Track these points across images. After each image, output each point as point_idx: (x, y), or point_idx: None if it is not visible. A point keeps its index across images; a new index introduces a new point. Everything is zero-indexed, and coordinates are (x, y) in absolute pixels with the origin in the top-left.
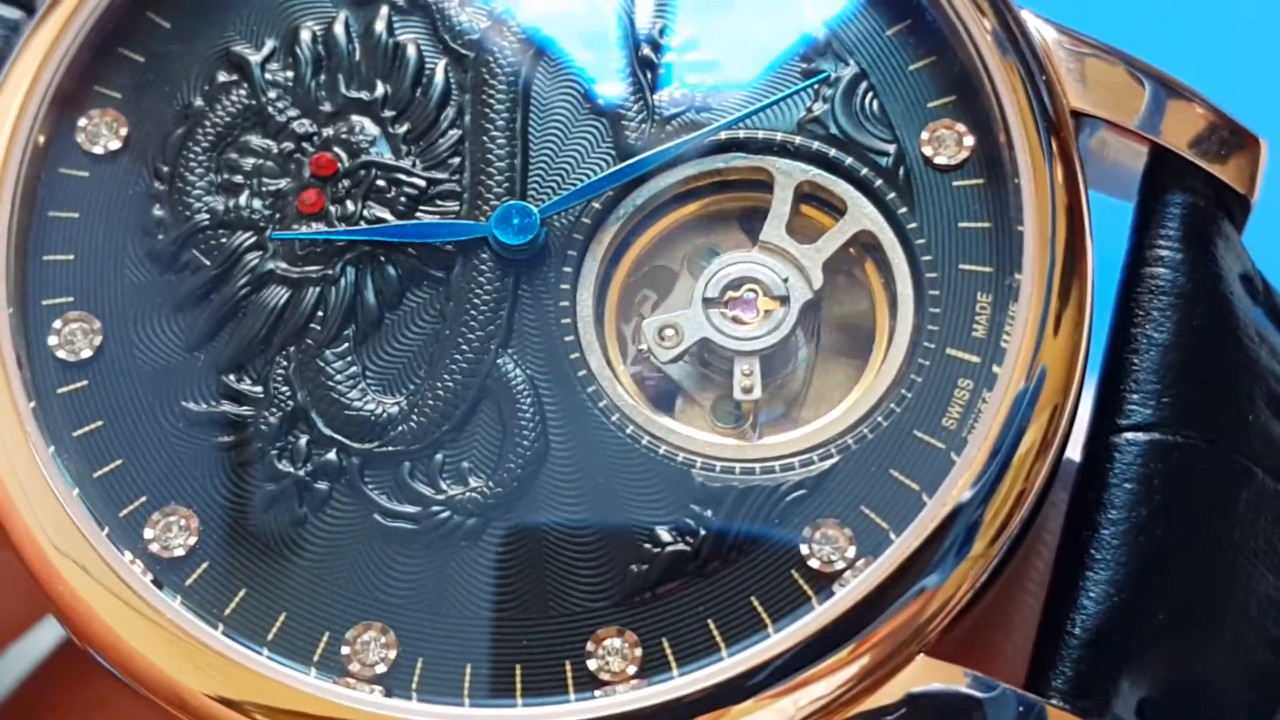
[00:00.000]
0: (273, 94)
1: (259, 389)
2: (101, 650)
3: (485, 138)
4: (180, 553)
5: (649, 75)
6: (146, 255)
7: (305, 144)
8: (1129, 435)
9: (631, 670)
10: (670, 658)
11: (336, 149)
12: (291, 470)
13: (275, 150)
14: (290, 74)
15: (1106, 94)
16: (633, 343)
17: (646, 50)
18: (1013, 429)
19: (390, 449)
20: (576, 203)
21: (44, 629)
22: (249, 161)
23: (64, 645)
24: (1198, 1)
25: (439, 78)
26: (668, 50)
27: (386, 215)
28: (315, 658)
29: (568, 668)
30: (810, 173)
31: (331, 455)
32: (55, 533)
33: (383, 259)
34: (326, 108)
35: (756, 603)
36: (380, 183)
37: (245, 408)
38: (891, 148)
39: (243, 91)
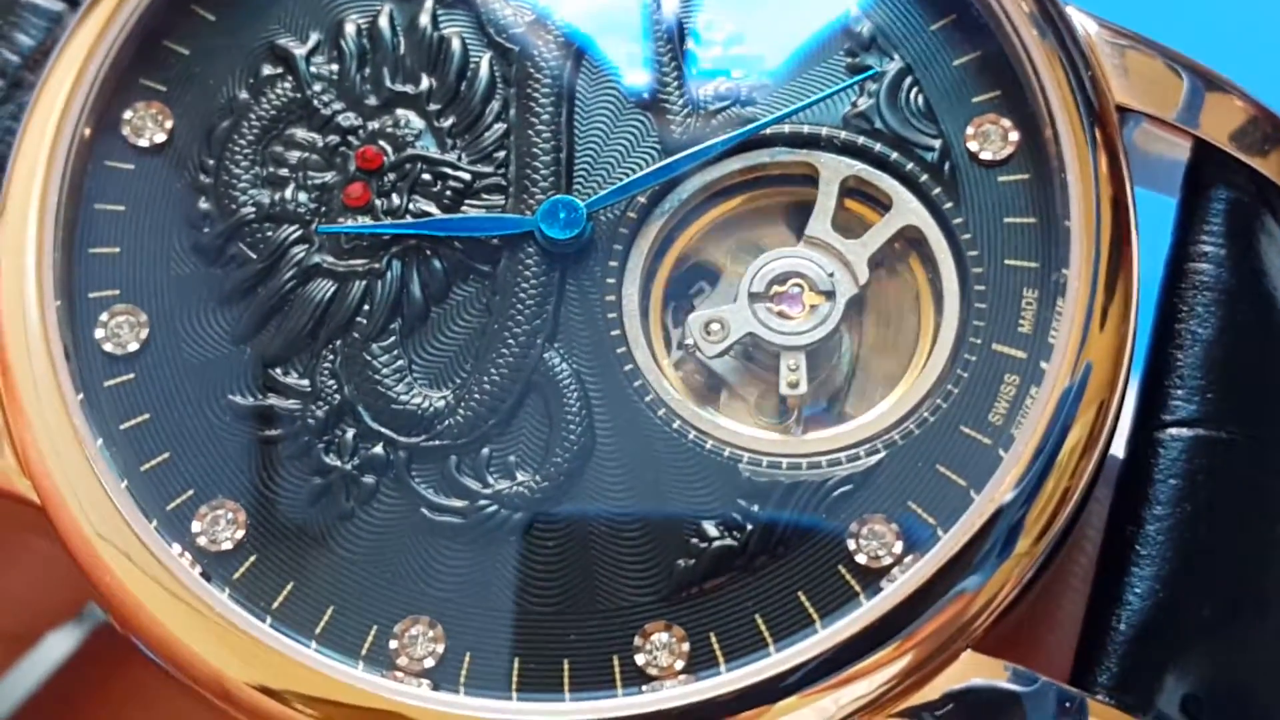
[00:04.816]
0: (318, 87)
1: (305, 383)
2: (148, 641)
3: (530, 131)
4: (228, 546)
5: (692, 69)
6: (192, 248)
7: (350, 137)
8: (1173, 431)
9: (679, 665)
10: (718, 653)
11: (382, 142)
12: (338, 464)
13: (320, 143)
14: (335, 67)
15: (1148, 87)
16: (678, 337)
17: (690, 44)
18: (1058, 426)
19: (437, 443)
20: (623, 198)
21: (80, 617)
22: (294, 155)
23: (102, 631)
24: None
25: (484, 71)
26: (711, 44)
27: (432, 209)
28: (363, 651)
29: (615, 662)
30: (855, 167)
31: (378, 449)
32: (103, 525)
33: (429, 253)
34: (371, 101)
35: (804, 598)
36: (426, 176)
37: (292, 401)
38: (937, 143)
39: (288, 85)
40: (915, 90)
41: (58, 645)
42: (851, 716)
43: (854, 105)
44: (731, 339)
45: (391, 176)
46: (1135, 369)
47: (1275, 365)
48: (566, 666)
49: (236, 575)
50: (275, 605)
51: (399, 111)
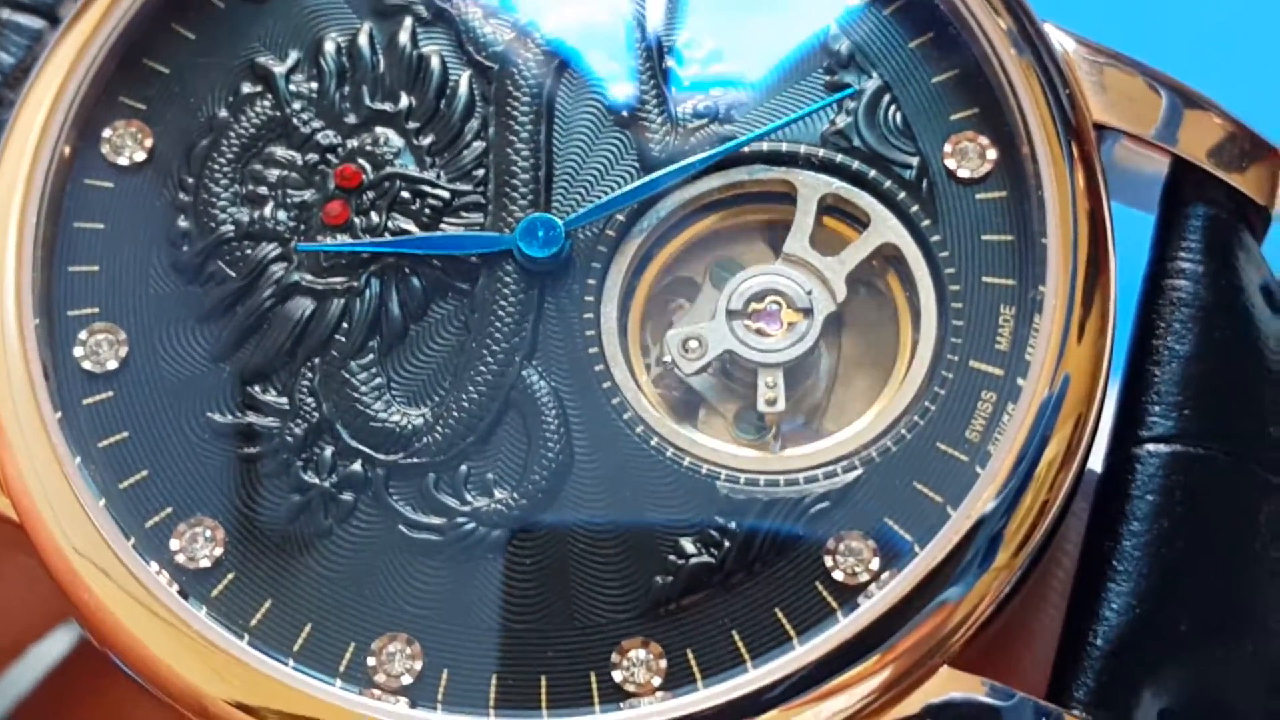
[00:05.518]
0: (297, 105)
1: (284, 400)
2: (126, 658)
3: (509, 149)
4: (206, 564)
5: (672, 87)
6: (171, 266)
7: (330, 155)
8: (1151, 447)
9: (657, 682)
10: (695, 669)
11: (361, 160)
12: (317, 481)
13: (300, 162)
14: (315, 85)
15: (1126, 104)
16: (656, 354)
17: (670, 62)
18: (1036, 438)
19: (415, 460)
20: (601, 216)
21: (63, 631)
22: (273, 173)
23: (82, 646)
24: (1216, 14)
25: (463, 89)
26: (691, 61)
27: (411, 227)
28: (341, 669)
29: (593, 679)
30: (834, 185)
31: (357, 467)
32: (81, 542)
33: (407, 271)
34: (351, 119)
35: (781, 615)
36: (405, 194)
37: (270, 419)
38: (914, 160)
39: (267, 103)
40: (893, 108)
41: (41, 659)
42: None
43: (832, 123)
44: (709, 356)
45: (370, 194)
46: (1113, 385)
47: (1252, 381)
48: (544, 684)
49: (214, 593)
50: (253, 623)
51: (378, 129)
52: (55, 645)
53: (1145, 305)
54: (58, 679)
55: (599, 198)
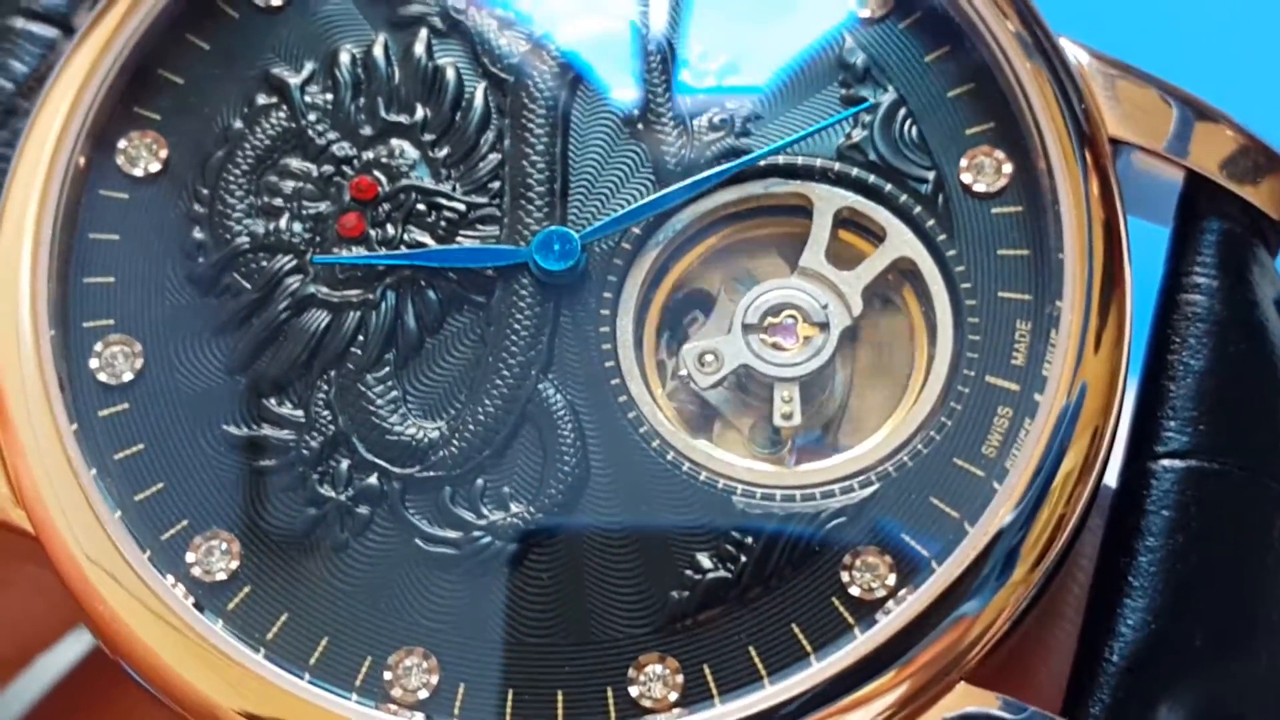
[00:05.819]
0: (312, 117)
1: (300, 413)
2: (141, 670)
3: (525, 162)
4: (222, 577)
5: (688, 99)
6: (187, 278)
7: (345, 167)
8: (1166, 462)
9: (673, 697)
10: (712, 685)
11: (376, 172)
12: (333, 495)
13: (315, 173)
14: (330, 96)
15: (1140, 117)
16: (672, 368)
17: (685, 74)
18: (1054, 450)
19: (431, 474)
20: (617, 229)
21: (73, 640)
22: (289, 184)
23: (92, 656)
24: (1233, 28)
25: (478, 101)
26: (706, 74)
27: (427, 239)
28: (357, 683)
29: (609, 694)
30: (849, 199)
31: (373, 480)
32: (97, 555)
33: (423, 283)
34: (366, 131)
35: (798, 630)
36: (420, 207)
37: (286, 432)
38: (930, 174)
39: (282, 114)
40: (909, 122)
41: (49, 669)
42: None
43: (848, 137)
44: (725, 370)
45: (386, 207)
46: (1127, 401)
47: (1267, 396)
48: (560, 698)
49: (230, 606)
50: (269, 636)
51: (394, 141)
52: (64, 655)
53: (1160, 320)
54: (69, 687)
55: (615, 210)
